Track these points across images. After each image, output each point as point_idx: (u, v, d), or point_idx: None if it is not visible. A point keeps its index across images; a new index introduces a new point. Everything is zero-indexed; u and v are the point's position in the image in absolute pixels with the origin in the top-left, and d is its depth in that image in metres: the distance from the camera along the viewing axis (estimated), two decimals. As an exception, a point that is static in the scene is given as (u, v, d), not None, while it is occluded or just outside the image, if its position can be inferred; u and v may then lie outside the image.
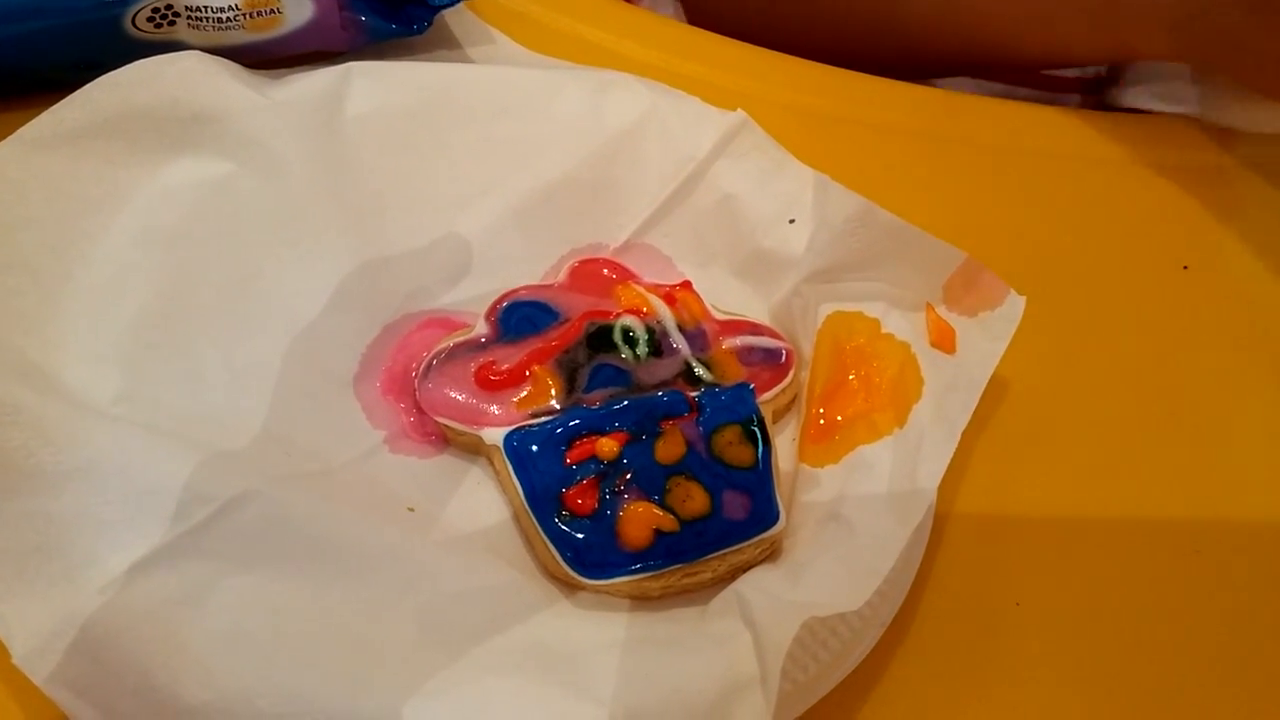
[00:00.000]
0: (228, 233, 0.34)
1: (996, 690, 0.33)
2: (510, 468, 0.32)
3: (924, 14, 0.54)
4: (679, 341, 0.35)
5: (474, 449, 0.33)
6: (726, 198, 0.39)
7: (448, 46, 0.43)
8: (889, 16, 0.55)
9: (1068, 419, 0.40)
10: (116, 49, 0.37)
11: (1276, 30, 0.45)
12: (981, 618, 0.34)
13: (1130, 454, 0.39)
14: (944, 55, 0.55)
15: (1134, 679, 0.34)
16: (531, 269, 0.37)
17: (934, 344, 0.37)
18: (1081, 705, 0.33)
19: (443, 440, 0.34)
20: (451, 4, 0.41)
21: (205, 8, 0.37)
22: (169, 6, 0.37)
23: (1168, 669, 0.34)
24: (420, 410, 0.33)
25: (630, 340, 0.35)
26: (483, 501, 0.33)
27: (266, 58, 0.39)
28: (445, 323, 0.35)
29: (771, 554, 0.33)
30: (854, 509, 0.32)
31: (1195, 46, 0.48)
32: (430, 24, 0.41)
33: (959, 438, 0.34)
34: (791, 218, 0.39)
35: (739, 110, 0.40)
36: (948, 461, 0.33)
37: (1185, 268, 0.46)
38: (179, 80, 0.35)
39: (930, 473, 0.33)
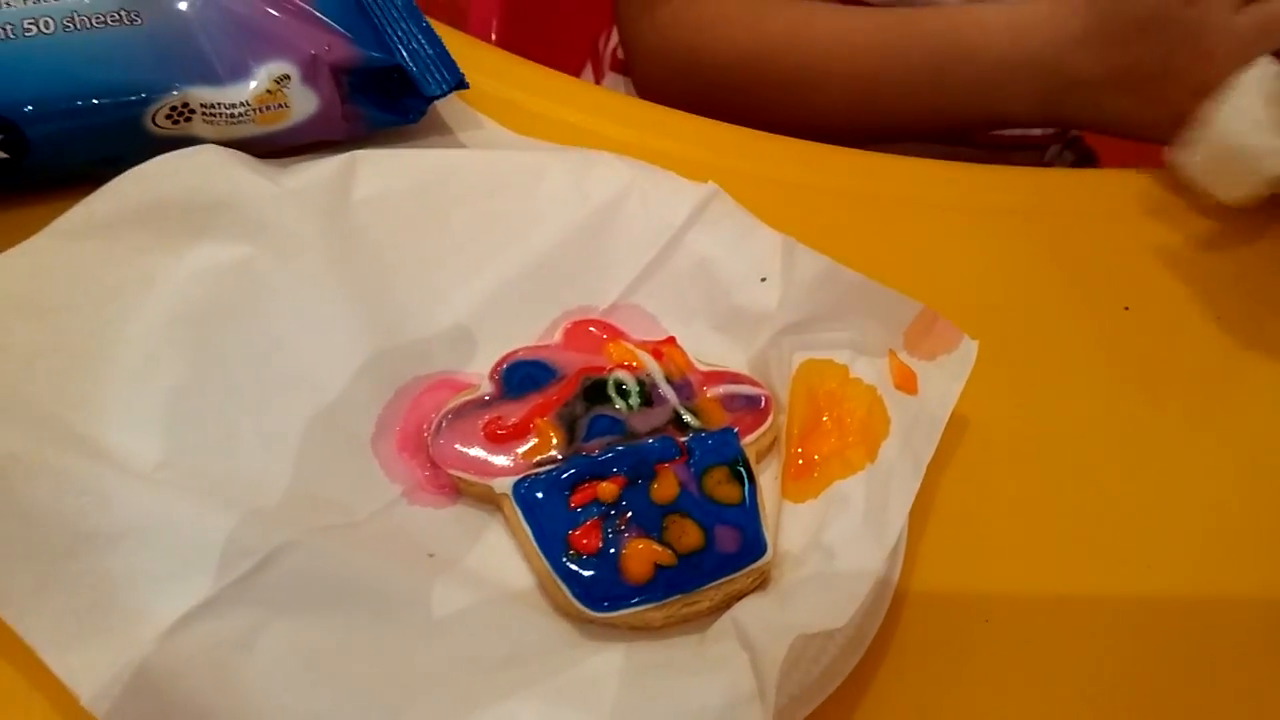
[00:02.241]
0: (250, 310, 0.36)
1: (970, 698, 0.35)
2: (520, 513, 0.34)
3: (846, 114, 0.60)
4: (667, 392, 0.38)
5: (485, 498, 0.36)
6: (703, 260, 0.42)
7: (440, 133, 0.46)
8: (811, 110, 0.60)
9: (1023, 449, 0.42)
10: (137, 145, 0.39)
11: (1129, 96, 0.53)
12: (954, 633, 0.37)
13: (1081, 478, 0.42)
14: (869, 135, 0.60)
15: (1097, 687, 0.36)
16: (528, 331, 0.40)
17: (898, 386, 0.40)
18: (1049, 710, 0.36)
19: (456, 492, 0.36)
20: (443, 95, 0.44)
21: (218, 104, 0.40)
22: (185, 105, 0.40)
23: (1129, 676, 0.37)
24: (434, 465, 0.36)
25: (623, 392, 0.38)
26: (496, 546, 0.35)
27: (275, 148, 0.42)
28: (452, 384, 0.38)
29: (762, 583, 0.35)
30: (834, 538, 0.35)
31: (1064, 114, 0.58)
32: (424, 113, 0.44)
33: (925, 470, 0.37)
34: (763, 276, 0.42)
35: (710, 182, 0.43)
36: (915, 491, 0.36)
37: (1126, 308, 0.49)
38: (198, 172, 0.38)
39: (901, 502, 0.36)
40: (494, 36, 0.75)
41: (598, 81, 0.80)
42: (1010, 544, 0.39)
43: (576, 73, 0.81)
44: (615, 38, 0.81)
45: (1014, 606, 0.38)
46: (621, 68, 0.79)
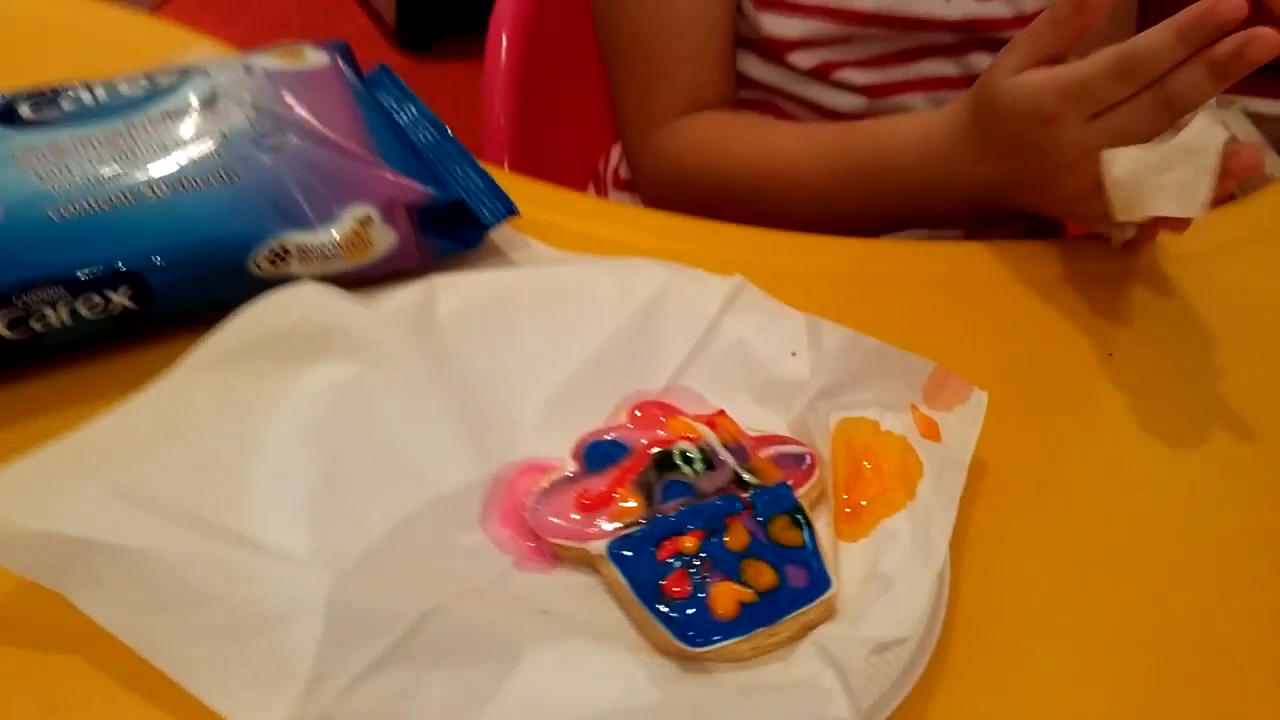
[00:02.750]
0: (364, 418, 0.42)
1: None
2: (616, 570, 0.39)
3: (811, 217, 0.67)
4: (726, 456, 0.43)
5: (583, 561, 0.41)
6: (738, 342, 0.48)
7: (496, 254, 0.52)
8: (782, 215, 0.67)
9: (1037, 483, 0.48)
10: (242, 287, 0.45)
11: (1029, 193, 0.60)
12: (989, 660, 0.42)
13: (1092, 507, 0.47)
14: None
15: (1120, 705, 0.41)
16: (597, 415, 0.45)
17: (924, 435, 0.45)
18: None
19: (556, 558, 0.41)
20: (498, 222, 0.50)
21: (312, 246, 0.46)
22: (283, 248, 0.46)
23: (1149, 696, 0.42)
24: (536, 536, 0.41)
25: (688, 460, 0.43)
26: (598, 600, 0.40)
27: (360, 279, 0.47)
28: (539, 467, 0.43)
29: (830, 612, 0.40)
30: (888, 567, 0.40)
31: (991, 207, 0.63)
32: (482, 239, 0.51)
33: (958, 502, 0.42)
34: (793, 351, 0.48)
35: (737, 275, 0.50)
36: (953, 520, 0.41)
37: (1110, 354, 0.55)
38: (304, 305, 0.44)
39: (941, 530, 0.41)
40: (506, 165, 0.82)
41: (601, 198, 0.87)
42: (1034, 572, 0.45)
43: (581, 191, 0.88)
44: (614, 159, 0.89)
45: (1041, 633, 0.43)
46: (623, 185, 0.86)
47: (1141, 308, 0.58)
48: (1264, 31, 0.48)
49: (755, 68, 0.76)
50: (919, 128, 0.64)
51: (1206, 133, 0.50)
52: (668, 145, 0.73)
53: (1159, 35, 0.50)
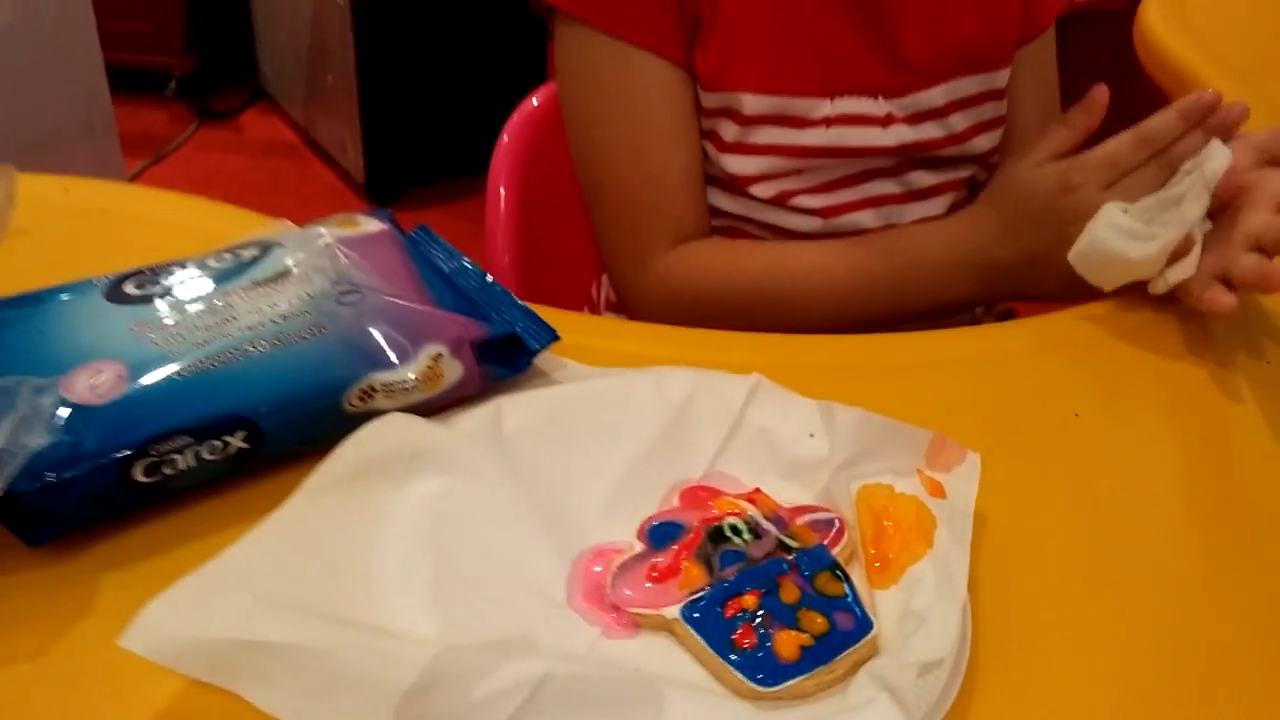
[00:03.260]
0: (460, 522, 0.48)
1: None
2: (691, 630, 0.46)
3: (821, 323, 0.75)
4: (768, 526, 0.50)
5: (660, 626, 0.47)
6: (762, 430, 0.56)
7: (540, 375, 0.59)
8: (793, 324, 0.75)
9: (1026, 527, 0.55)
10: (335, 423, 0.52)
11: (1039, 270, 0.71)
12: (1010, 665, 0.48)
13: (1083, 550, 0.55)
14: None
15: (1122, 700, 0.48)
16: (650, 502, 0.52)
17: (931, 493, 0.53)
18: None
19: (636, 626, 0.47)
20: (544, 348, 0.58)
21: (394, 382, 0.53)
22: (371, 387, 0.53)
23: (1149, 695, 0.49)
24: (616, 609, 0.47)
25: (736, 531, 0.50)
26: (677, 658, 0.46)
27: (433, 407, 0.54)
28: (608, 551, 0.50)
29: (874, 650, 0.46)
30: (920, 605, 0.47)
31: (996, 293, 0.77)
32: (530, 364, 0.58)
33: (969, 546, 0.49)
34: (811, 433, 0.55)
35: (754, 373, 0.57)
36: (968, 561, 0.48)
37: (1076, 415, 0.63)
38: (396, 433, 0.51)
39: (960, 570, 0.48)
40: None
41: (599, 322, 0.94)
42: (1037, 599, 0.52)
43: (582, 318, 0.95)
44: (605, 286, 0.97)
45: (1051, 648, 0.49)
46: (614, 308, 0.94)
47: (1096, 372, 0.67)
48: (1238, 104, 0.67)
49: (721, 200, 0.85)
50: (937, 226, 0.75)
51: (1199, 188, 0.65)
52: (673, 272, 0.81)
53: (1166, 115, 0.67)
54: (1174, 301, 0.69)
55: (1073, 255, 0.66)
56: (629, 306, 0.86)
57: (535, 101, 0.97)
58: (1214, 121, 0.68)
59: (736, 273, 0.81)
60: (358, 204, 2.46)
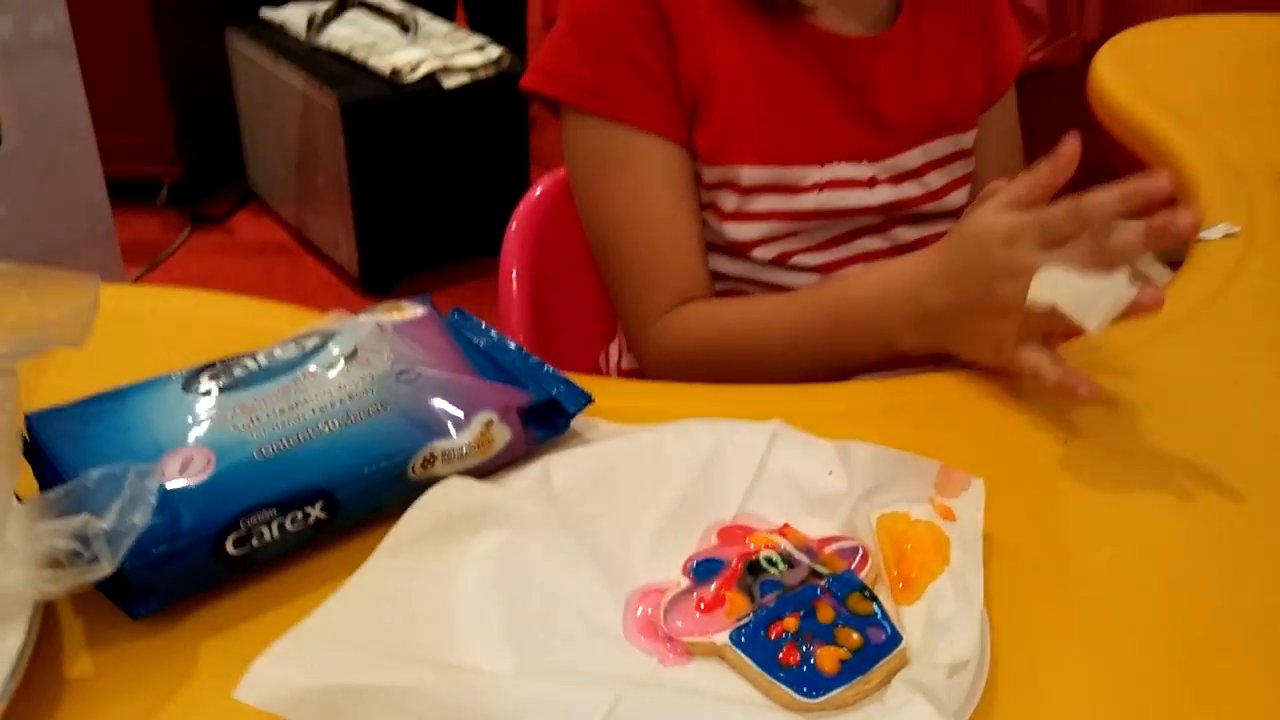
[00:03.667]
0: (524, 570, 0.53)
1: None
2: (740, 653, 0.51)
3: (793, 367, 0.80)
4: (800, 556, 0.55)
5: (711, 652, 0.52)
6: (786, 471, 0.61)
7: (576, 436, 0.64)
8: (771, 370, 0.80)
9: (1028, 543, 0.60)
10: (403, 489, 0.57)
11: (960, 322, 0.72)
12: (1024, 666, 0.53)
13: (1072, 554, 0.60)
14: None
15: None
16: (690, 542, 0.57)
17: (943, 518, 0.58)
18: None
19: (689, 653, 0.52)
20: (580, 411, 0.63)
21: (452, 450, 0.58)
22: (431, 455, 0.58)
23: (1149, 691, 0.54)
24: (670, 639, 0.52)
25: (772, 563, 0.55)
26: (729, 679, 0.51)
27: (487, 470, 0.60)
28: (656, 589, 0.55)
29: (905, 660, 0.51)
30: (943, 616, 0.52)
31: (929, 341, 0.75)
32: (568, 425, 0.63)
33: (982, 561, 0.55)
34: (830, 470, 0.60)
35: (774, 420, 0.63)
36: (982, 574, 0.54)
37: (1065, 441, 0.69)
38: (458, 495, 0.56)
39: (975, 583, 0.53)
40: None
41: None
42: (1044, 607, 0.57)
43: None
44: (614, 354, 1.03)
45: (1057, 652, 0.54)
46: (625, 374, 0.99)
47: (1081, 403, 0.72)
48: (1190, 212, 0.63)
49: (724, 264, 0.91)
50: (881, 264, 0.78)
51: (1122, 281, 0.64)
52: (665, 334, 0.87)
53: (1105, 193, 0.65)
54: (1146, 337, 0.75)
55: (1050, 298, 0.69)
56: (641, 369, 0.91)
57: (539, 190, 1.04)
58: (1158, 224, 0.64)
59: (713, 328, 0.86)
60: (353, 297, 2.52)
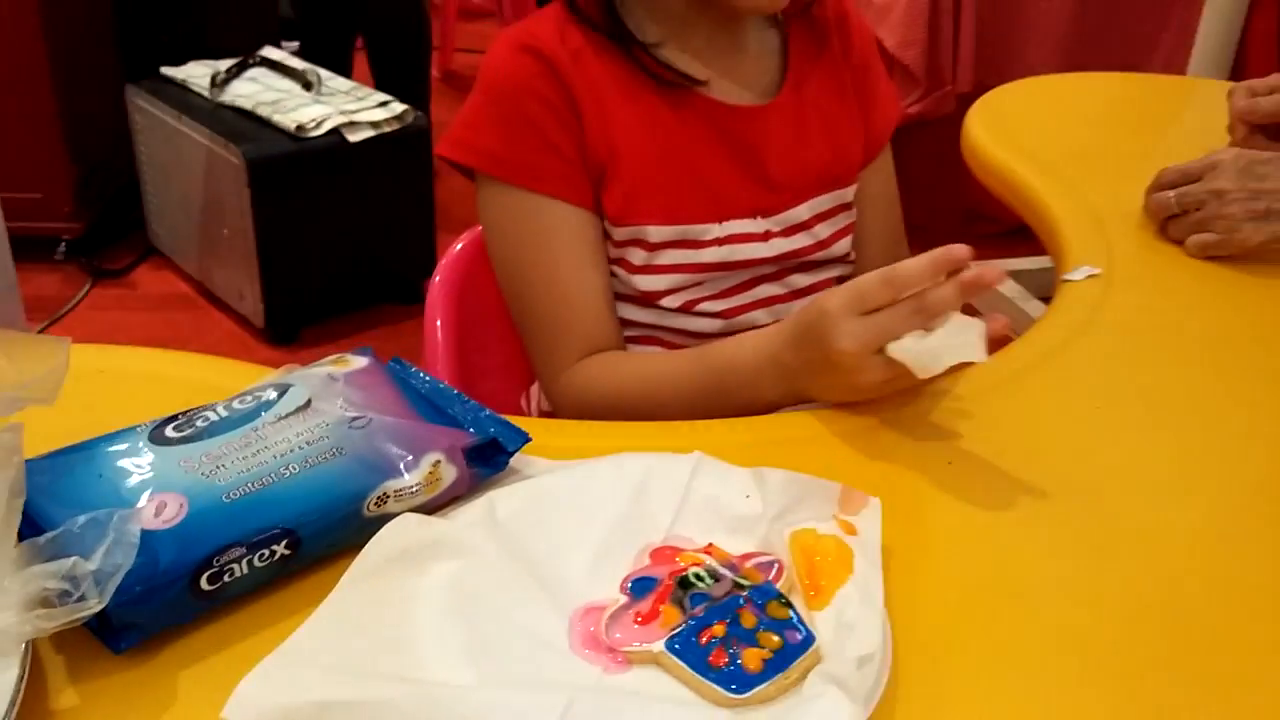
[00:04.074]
0: (475, 596, 0.58)
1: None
2: (674, 658, 0.57)
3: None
4: (724, 571, 0.62)
5: (649, 659, 0.58)
6: (707, 496, 0.67)
7: (514, 472, 0.70)
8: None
9: (919, 554, 0.68)
10: (355, 528, 0.62)
11: (816, 378, 0.80)
12: (919, 664, 0.60)
13: (956, 559, 0.68)
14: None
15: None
16: (624, 563, 0.63)
17: (847, 533, 0.65)
18: None
19: (629, 662, 0.57)
20: (519, 449, 0.69)
21: (404, 488, 0.63)
22: (384, 494, 0.63)
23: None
24: (612, 650, 0.58)
25: (700, 578, 0.61)
26: (665, 682, 0.56)
27: (435, 507, 0.65)
28: (598, 606, 0.60)
29: (819, 657, 0.58)
30: (850, 617, 0.59)
31: (797, 396, 0.82)
32: (507, 463, 0.69)
33: (881, 569, 0.62)
34: (747, 494, 0.67)
35: (696, 451, 0.69)
36: (881, 580, 0.61)
37: (950, 463, 0.77)
38: (411, 530, 0.61)
39: (876, 587, 0.60)
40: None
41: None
42: (934, 607, 0.64)
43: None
44: (534, 396, 1.09)
45: (951, 648, 0.62)
46: (545, 415, 1.05)
47: (965, 426, 0.80)
48: (993, 266, 0.74)
49: (636, 313, 0.98)
50: (752, 334, 0.85)
51: (962, 321, 0.73)
52: (572, 383, 0.93)
53: (916, 262, 0.73)
54: (1019, 369, 0.84)
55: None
56: (556, 413, 0.97)
57: (460, 246, 1.10)
58: (967, 278, 0.72)
59: (612, 384, 0.93)
60: (259, 347, 2.53)
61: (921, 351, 0.72)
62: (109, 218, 2.87)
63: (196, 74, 2.58)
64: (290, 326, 2.53)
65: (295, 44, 3.23)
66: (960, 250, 0.72)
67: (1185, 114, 1.59)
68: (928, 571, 0.66)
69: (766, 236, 0.97)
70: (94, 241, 2.81)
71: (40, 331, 2.49)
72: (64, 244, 2.75)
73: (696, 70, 0.94)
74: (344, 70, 2.97)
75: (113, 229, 2.88)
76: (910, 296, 0.73)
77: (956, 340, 0.72)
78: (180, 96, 2.52)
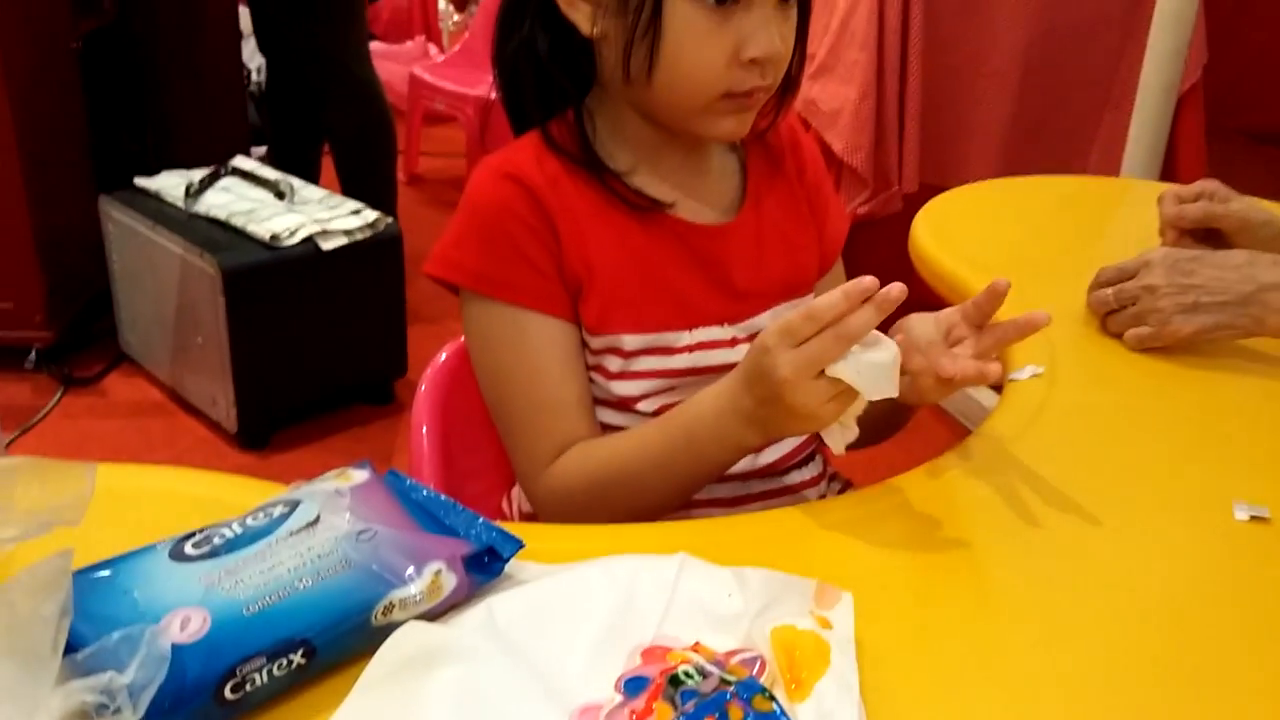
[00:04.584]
0: (479, 696, 0.62)
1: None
2: (669, 751, 0.61)
3: (668, 491, 0.95)
4: (711, 668, 0.66)
5: (644, 754, 0.62)
6: (692, 596, 0.72)
7: (509, 578, 0.74)
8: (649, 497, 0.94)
9: (889, 646, 0.72)
10: (367, 635, 0.66)
11: (769, 410, 0.85)
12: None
13: (920, 639, 0.72)
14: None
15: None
16: (617, 663, 0.67)
17: (823, 627, 0.70)
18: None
19: (626, 757, 0.62)
20: (513, 556, 0.73)
21: (408, 598, 0.67)
22: (391, 603, 0.67)
23: None
24: (610, 746, 0.62)
25: (688, 675, 0.65)
26: (662, 773, 0.61)
27: (434, 614, 0.69)
28: (594, 706, 0.64)
29: (802, 746, 0.62)
30: (828, 707, 0.63)
31: (767, 437, 0.90)
32: (503, 569, 0.73)
33: (854, 660, 0.66)
34: (729, 593, 0.72)
35: (680, 552, 0.74)
36: (856, 670, 0.65)
37: (913, 557, 0.82)
38: (417, 636, 0.65)
39: (852, 679, 0.65)
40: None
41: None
42: (906, 687, 0.69)
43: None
44: (516, 498, 1.13)
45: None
46: (526, 518, 1.10)
47: (927, 520, 0.86)
48: (897, 284, 0.80)
49: (613, 417, 1.03)
50: (711, 388, 0.91)
51: (880, 340, 0.81)
52: (553, 478, 0.98)
53: (832, 296, 0.80)
54: (968, 469, 0.89)
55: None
56: (537, 514, 1.02)
57: (444, 356, 1.15)
58: (878, 297, 0.80)
59: (591, 463, 0.97)
60: (232, 452, 2.55)
61: (850, 365, 0.80)
62: (80, 326, 2.90)
63: (170, 184, 2.64)
64: (263, 431, 2.55)
65: (263, 149, 3.31)
66: (867, 280, 0.80)
67: (1120, 213, 1.69)
68: (897, 660, 0.71)
69: (733, 342, 1.03)
70: (65, 350, 2.84)
71: (11, 441, 2.50)
72: (34, 352, 2.77)
73: (664, 193, 1.01)
74: (312, 174, 3.04)
75: (83, 337, 2.91)
76: (832, 324, 0.80)
77: (881, 354, 0.80)
78: (154, 207, 2.57)
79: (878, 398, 0.81)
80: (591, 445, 0.99)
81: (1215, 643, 0.75)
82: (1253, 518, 0.88)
